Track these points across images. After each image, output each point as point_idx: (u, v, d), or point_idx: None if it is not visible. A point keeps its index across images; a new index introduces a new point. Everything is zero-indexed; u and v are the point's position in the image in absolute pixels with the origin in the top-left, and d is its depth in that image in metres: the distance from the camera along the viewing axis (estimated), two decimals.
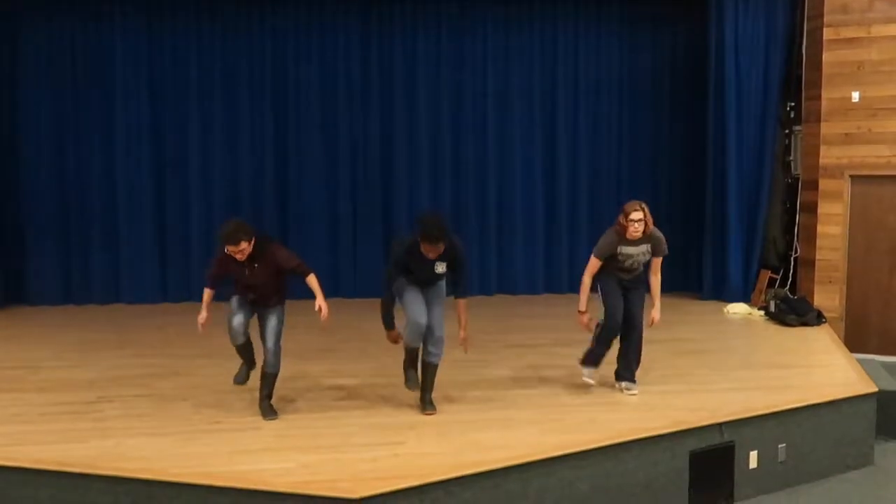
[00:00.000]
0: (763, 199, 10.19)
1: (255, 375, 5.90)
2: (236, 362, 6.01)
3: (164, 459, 5.00)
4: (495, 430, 5.57)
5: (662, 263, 6.38)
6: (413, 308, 5.78)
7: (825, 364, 7.52)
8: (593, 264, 6.26)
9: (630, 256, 6.21)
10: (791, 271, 10.11)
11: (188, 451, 5.17)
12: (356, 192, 10.68)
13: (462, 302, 5.83)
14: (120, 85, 10.22)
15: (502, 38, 10.79)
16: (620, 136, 11.08)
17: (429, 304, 5.85)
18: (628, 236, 6.15)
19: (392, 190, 10.71)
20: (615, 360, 6.49)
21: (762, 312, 9.46)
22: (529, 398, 6.29)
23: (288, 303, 5.91)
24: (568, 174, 10.98)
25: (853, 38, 9.34)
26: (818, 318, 9.00)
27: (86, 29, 10.21)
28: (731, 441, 5.82)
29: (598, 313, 6.37)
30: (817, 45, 9.58)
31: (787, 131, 10.26)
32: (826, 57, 9.46)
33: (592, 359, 6.39)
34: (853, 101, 9.32)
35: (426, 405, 5.92)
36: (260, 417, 5.76)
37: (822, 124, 9.51)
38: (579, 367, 6.45)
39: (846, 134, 9.41)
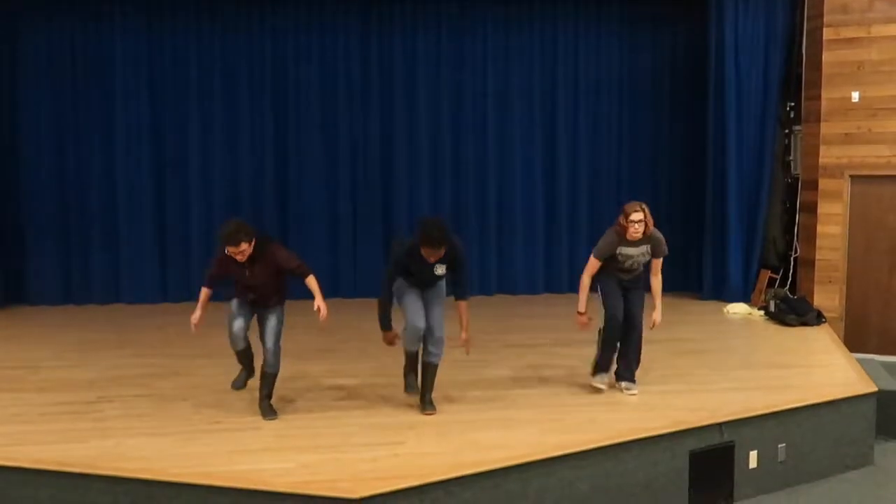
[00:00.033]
0: (763, 199, 10.19)
1: (255, 375, 5.89)
2: (236, 362, 6.01)
3: (164, 459, 5.01)
4: (495, 429, 5.57)
5: (662, 264, 6.38)
6: (412, 311, 5.80)
7: (825, 364, 7.52)
8: (593, 265, 6.26)
9: (630, 257, 6.21)
10: (791, 271, 10.12)
11: (188, 451, 5.17)
12: (356, 192, 10.68)
13: (463, 304, 5.84)
14: (120, 85, 10.22)
15: (502, 38, 10.79)
16: (620, 135, 11.08)
17: (428, 305, 5.85)
18: (628, 237, 6.14)
19: (392, 190, 10.71)
20: (615, 360, 6.48)
21: (762, 312, 9.46)
22: (529, 398, 6.29)
23: (287, 303, 5.91)
24: (568, 174, 10.98)
25: (853, 38, 9.34)
26: (818, 318, 9.00)
27: (86, 29, 10.20)
28: (731, 441, 5.82)
29: (598, 315, 6.37)
30: (817, 44, 9.58)
31: (786, 131, 10.26)
32: (826, 57, 9.46)
33: (603, 366, 6.40)
34: (853, 101, 9.32)
35: (426, 405, 5.92)
36: (260, 417, 5.76)
37: (822, 124, 9.51)
38: (590, 378, 6.43)
39: (846, 134, 9.41)
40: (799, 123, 10.07)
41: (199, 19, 10.34)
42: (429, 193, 10.74)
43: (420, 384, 5.98)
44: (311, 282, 5.69)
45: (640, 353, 6.44)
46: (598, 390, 6.34)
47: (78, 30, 10.19)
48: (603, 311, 6.34)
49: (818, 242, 9.58)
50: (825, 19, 9.44)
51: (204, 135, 10.40)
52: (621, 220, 6.14)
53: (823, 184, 9.55)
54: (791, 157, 10.21)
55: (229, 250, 5.48)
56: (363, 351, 7.58)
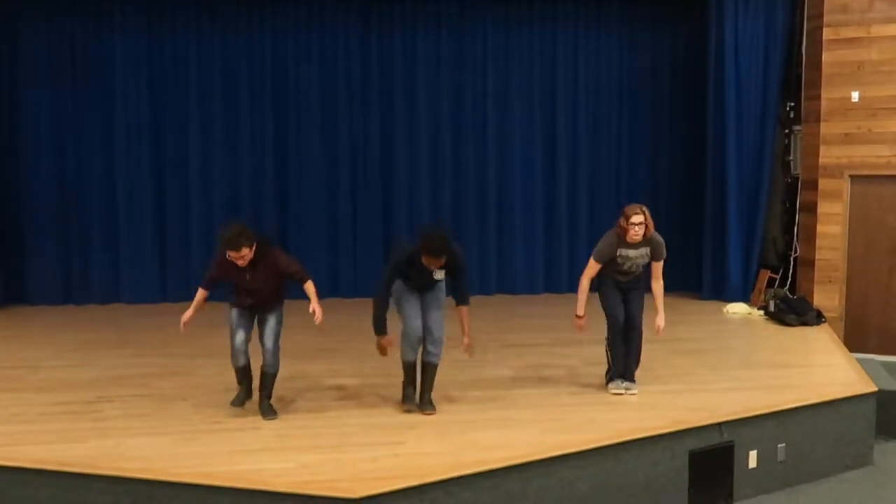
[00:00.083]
0: (763, 199, 10.19)
1: (255, 375, 5.89)
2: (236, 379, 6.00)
3: (164, 459, 5.00)
4: (495, 429, 5.57)
5: (663, 266, 6.37)
6: (409, 316, 5.83)
7: (825, 364, 7.53)
8: (592, 268, 6.25)
9: (629, 259, 6.21)
10: (791, 271, 10.12)
11: (188, 451, 5.17)
12: (356, 192, 10.68)
13: (464, 309, 5.84)
14: (120, 85, 10.22)
15: (502, 39, 10.79)
16: (620, 135, 11.08)
17: (427, 307, 5.87)
18: (628, 239, 6.14)
19: (392, 190, 10.71)
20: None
21: (762, 312, 9.47)
22: (529, 398, 6.29)
23: (286, 303, 5.90)
24: (568, 174, 10.98)
25: (853, 38, 9.34)
26: (818, 318, 9.00)
27: (86, 29, 10.21)
28: (731, 441, 5.82)
29: (599, 317, 6.37)
30: (817, 44, 9.58)
31: (786, 131, 10.27)
32: (826, 57, 9.46)
33: (617, 371, 6.40)
34: (853, 101, 9.32)
35: (426, 405, 5.93)
36: (259, 417, 5.76)
37: (822, 124, 9.51)
38: (607, 388, 6.42)
39: (846, 134, 9.41)
40: (799, 123, 10.07)
41: (199, 19, 10.34)
42: (428, 193, 10.74)
43: (420, 384, 5.98)
44: (310, 287, 5.70)
45: (639, 354, 6.44)
46: (618, 395, 6.32)
47: (78, 30, 10.19)
48: (604, 313, 6.35)
49: (818, 242, 9.58)
50: (825, 19, 9.44)
51: (204, 135, 10.40)
52: (621, 222, 6.13)
53: (823, 184, 9.55)
54: (791, 157, 10.22)
55: (230, 255, 5.47)
56: (363, 351, 7.54)
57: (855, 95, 9.31)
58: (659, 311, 6.36)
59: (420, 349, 5.94)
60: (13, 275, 10.11)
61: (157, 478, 4.77)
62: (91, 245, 10.31)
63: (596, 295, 6.35)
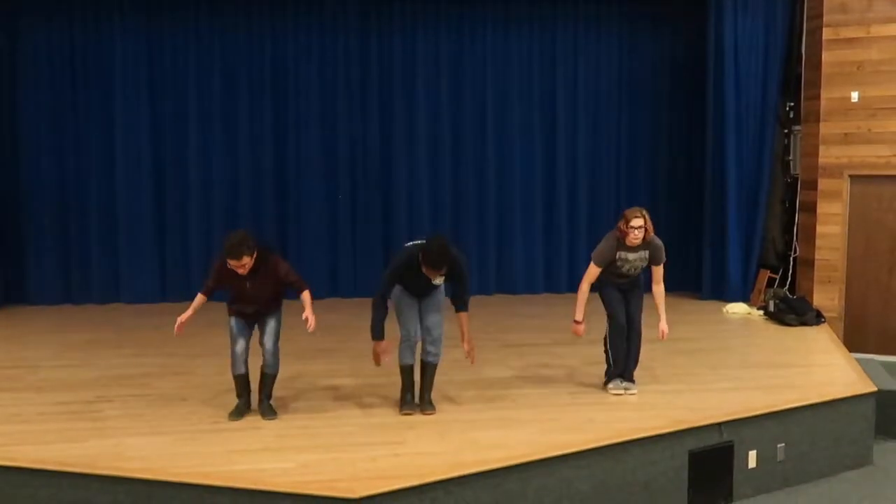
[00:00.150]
0: (762, 199, 10.19)
1: (254, 376, 5.90)
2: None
3: (164, 459, 5.01)
4: (495, 429, 5.57)
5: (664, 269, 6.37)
6: (408, 321, 5.84)
7: (824, 364, 7.53)
8: (593, 272, 6.24)
9: (627, 262, 6.21)
10: (790, 271, 10.12)
11: (187, 451, 5.18)
12: (356, 192, 10.68)
13: (463, 315, 5.84)
14: (120, 85, 10.21)
15: (502, 39, 10.79)
16: (620, 135, 11.07)
17: (426, 310, 5.87)
18: (628, 242, 6.14)
19: (391, 190, 10.70)
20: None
21: (761, 312, 9.47)
22: (529, 398, 6.30)
23: (286, 304, 5.92)
24: (567, 174, 10.98)
25: (852, 38, 9.34)
26: (817, 318, 9.00)
27: (86, 29, 10.20)
28: (731, 441, 5.83)
29: (598, 319, 6.37)
30: (817, 44, 9.58)
31: (786, 131, 10.27)
32: (825, 57, 9.46)
33: (617, 371, 6.40)
34: (852, 100, 9.32)
35: (425, 405, 5.93)
36: (259, 417, 5.77)
37: (822, 124, 9.51)
38: (606, 388, 6.42)
39: (845, 134, 9.41)
40: (798, 123, 10.07)
41: (199, 19, 10.34)
42: (428, 193, 10.74)
43: (419, 384, 5.98)
44: (306, 296, 5.72)
45: (638, 354, 6.44)
46: (618, 395, 6.32)
47: (78, 30, 10.18)
48: (606, 314, 6.35)
49: (817, 242, 9.58)
50: (825, 19, 9.44)
51: (204, 135, 10.39)
52: (621, 225, 6.13)
53: (823, 184, 9.54)
54: (790, 157, 10.22)
55: (231, 263, 5.49)
56: (362, 351, 7.52)
57: (854, 95, 9.31)
58: (661, 316, 6.35)
59: (418, 352, 5.94)
60: (13, 275, 10.11)
61: (156, 478, 4.77)
62: (91, 245, 10.31)
63: (595, 296, 6.34)
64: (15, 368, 7.24)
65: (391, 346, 5.83)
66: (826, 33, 9.44)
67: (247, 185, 10.49)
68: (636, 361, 6.45)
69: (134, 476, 4.80)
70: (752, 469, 5.94)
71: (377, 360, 5.81)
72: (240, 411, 5.82)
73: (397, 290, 5.84)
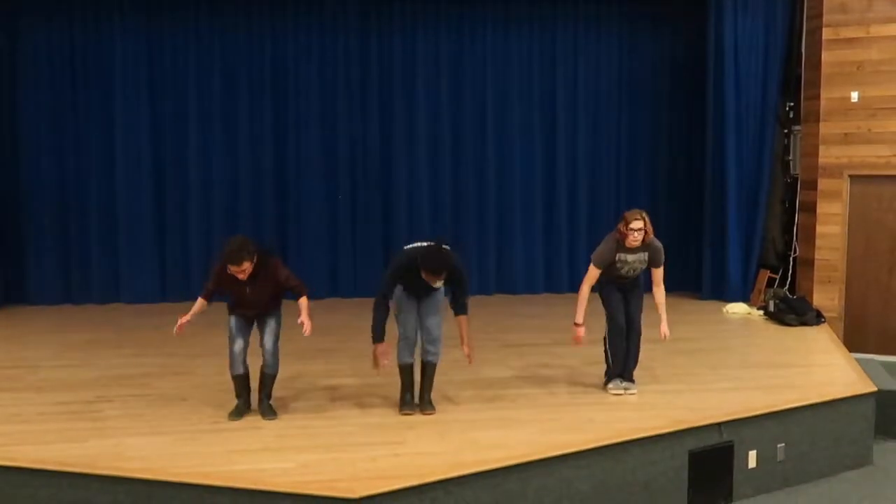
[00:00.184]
0: (762, 199, 10.20)
1: (254, 376, 5.90)
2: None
3: (164, 459, 5.01)
4: (495, 429, 5.57)
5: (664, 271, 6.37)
6: (407, 321, 5.84)
7: (824, 364, 7.53)
8: (593, 275, 6.24)
9: (627, 264, 6.21)
10: (790, 271, 10.12)
11: (187, 451, 5.18)
12: (356, 192, 10.68)
13: (463, 318, 5.84)
14: (120, 85, 10.21)
15: (502, 39, 10.79)
16: (620, 135, 11.07)
17: (425, 310, 5.87)
18: (627, 244, 6.14)
19: (391, 190, 10.71)
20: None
21: (761, 312, 9.46)
22: (529, 398, 6.30)
23: (285, 304, 5.91)
24: (567, 174, 10.98)
25: (852, 38, 9.34)
26: (817, 318, 9.00)
27: (86, 29, 10.20)
28: (731, 441, 5.83)
29: (597, 319, 6.37)
30: (816, 44, 9.58)
31: (786, 131, 10.27)
32: (825, 57, 9.46)
33: (616, 371, 6.40)
34: (852, 100, 9.32)
35: (426, 405, 5.93)
36: (259, 417, 5.77)
37: (822, 124, 9.51)
38: (606, 388, 6.42)
39: (845, 134, 9.41)
40: (798, 123, 10.07)
41: (199, 19, 10.34)
42: (428, 193, 10.74)
43: (419, 384, 5.98)
44: (304, 301, 5.73)
45: (638, 354, 6.44)
46: (618, 395, 6.32)
47: (78, 30, 10.18)
48: (605, 314, 6.35)
49: (817, 242, 9.58)
50: (824, 19, 9.44)
51: (203, 135, 10.39)
52: (621, 227, 6.14)
53: (823, 184, 9.54)
54: (790, 157, 10.22)
55: (231, 269, 5.49)
56: (362, 351, 7.53)
57: (854, 95, 9.31)
58: (662, 319, 6.34)
59: (417, 352, 5.94)
60: (13, 275, 10.11)
61: (156, 477, 4.77)
62: (91, 245, 10.31)
63: (595, 296, 6.34)
64: (15, 368, 7.24)
65: (390, 349, 5.83)
66: (826, 33, 9.44)
67: (247, 185, 10.49)
68: (636, 361, 6.45)
69: (134, 476, 4.80)
70: (752, 469, 5.94)
71: (376, 362, 5.81)
72: (239, 411, 5.82)
73: (397, 290, 5.84)
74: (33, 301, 10.18)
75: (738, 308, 9.72)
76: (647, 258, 6.24)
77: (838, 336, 8.83)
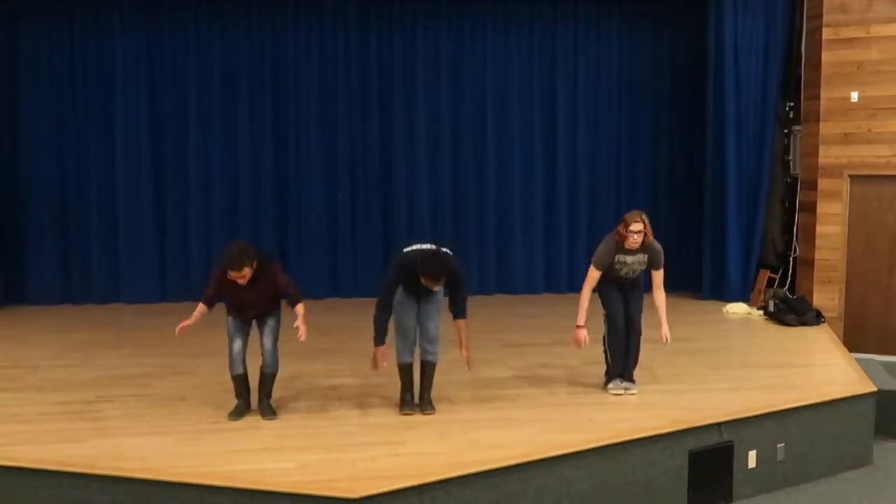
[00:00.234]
0: (762, 199, 10.20)
1: (254, 375, 5.90)
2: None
3: (164, 459, 5.01)
4: (494, 429, 5.57)
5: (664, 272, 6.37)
6: (405, 320, 5.84)
7: (824, 364, 7.53)
8: (593, 276, 6.23)
9: (626, 265, 6.21)
10: (790, 271, 10.12)
11: (187, 451, 5.18)
12: (356, 192, 10.68)
13: (461, 322, 5.83)
14: (120, 85, 10.21)
15: (502, 39, 10.79)
16: (620, 135, 11.07)
17: (424, 310, 5.87)
18: (627, 246, 6.15)
19: (391, 190, 10.71)
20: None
21: (761, 312, 9.46)
22: (529, 398, 6.30)
23: (283, 303, 5.91)
24: (567, 174, 10.98)
25: (852, 38, 9.34)
26: (817, 318, 9.00)
27: (86, 29, 10.19)
28: (730, 441, 5.83)
29: (597, 319, 6.37)
30: (816, 44, 9.58)
31: (786, 131, 10.27)
32: (825, 57, 9.46)
33: (616, 371, 6.40)
34: (852, 100, 9.32)
35: (426, 405, 5.93)
36: (259, 417, 5.77)
37: (822, 124, 9.51)
38: (606, 388, 6.42)
39: (845, 134, 9.41)
40: (798, 123, 10.07)
41: (199, 19, 10.34)
42: (428, 193, 10.74)
43: (419, 384, 5.98)
44: (300, 308, 5.73)
45: (638, 354, 6.44)
46: (618, 395, 6.32)
47: (78, 30, 10.18)
48: (604, 314, 6.35)
49: (817, 242, 9.58)
50: (824, 19, 9.44)
51: (203, 135, 10.39)
52: (621, 229, 6.14)
53: (823, 184, 9.54)
54: (790, 157, 10.22)
55: (231, 275, 5.50)
56: (362, 351, 7.54)
57: (854, 95, 9.31)
58: (662, 323, 6.32)
59: (416, 352, 5.94)
60: (13, 275, 10.11)
61: (156, 478, 4.77)
62: (91, 245, 10.30)
63: (595, 296, 6.34)
64: (15, 368, 7.24)
65: (390, 353, 5.83)
66: (826, 33, 9.44)
67: (247, 185, 10.49)
68: (636, 361, 6.45)
69: (134, 476, 4.80)
70: (752, 469, 5.94)
71: (375, 363, 5.81)
72: (239, 411, 5.82)
73: (399, 294, 5.83)
74: (33, 301, 10.18)
75: (738, 308, 9.72)
76: (646, 260, 6.24)
77: (838, 336, 8.83)
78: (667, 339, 6.34)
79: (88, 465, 4.90)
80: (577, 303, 6.30)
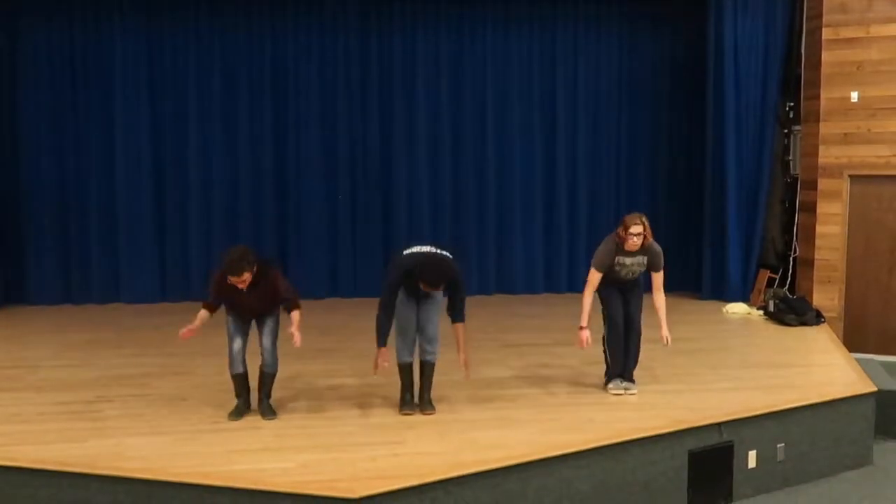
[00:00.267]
0: (762, 199, 10.20)
1: (254, 375, 5.90)
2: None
3: (164, 459, 5.01)
4: (494, 429, 5.58)
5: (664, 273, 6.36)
6: (405, 319, 5.84)
7: (824, 364, 7.53)
8: (594, 278, 6.22)
9: (625, 266, 6.22)
10: (790, 271, 10.12)
11: (187, 451, 5.18)
12: (356, 192, 10.68)
13: (459, 326, 5.83)
14: (120, 85, 10.21)
15: (502, 39, 10.78)
16: (620, 135, 11.07)
17: (423, 310, 5.87)
18: (626, 248, 6.15)
19: (391, 190, 10.70)
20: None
21: (761, 312, 9.47)
22: (529, 398, 6.30)
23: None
24: (567, 174, 10.97)
25: (852, 38, 9.34)
26: (817, 318, 9.00)
27: (86, 29, 10.19)
28: (730, 441, 5.83)
29: (596, 320, 6.38)
30: (816, 44, 9.58)
31: (786, 131, 10.27)
32: (825, 57, 9.46)
33: (616, 371, 6.40)
34: (852, 100, 9.32)
35: (425, 405, 5.93)
36: (259, 417, 5.77)
37: (821, 124, 9.51)
38: (606, 388, 6.42)
39: (845, 134, 9.41)
40: (798, 123, 10.07)
41: (199, 19, 10.33)
42: (428, 193, 10.74)
43: (419, 384, 5.98)
44: (296, 315, 5.74)
45: (638, 354, 6.45)
46: (618, 395, 6.32)
47: (78, 30, 10.18)
48: (604, 314, 6.35)
49: (817, 242, 9.58)
50: (824, 19, 9.44)
51: (203, 135, 10.39)
52: (620, 231, 6.14)
53: (822, 184, 9.54)
54: (790, 157, 10.22)
55: (231, 279, 5.50)
56: (362, 351, 7.55)
57: (854, 95, 9.30)
58: (662, 325, 6.33)
59: (417, 351, 5.95)
60: (13, 275, 10.11)
61: (156, 477, 4.78)
62: (91, 245, 10.30)
63: (595, 297, 6.33)
64: (15, 368, 7.24)
65: (390, 353, 5.83)
66: (826, 33, 9.44)
67: (247, 185, 10.49)
68: (636, 361, 6.45)
69: (134, 476, 4.80)
70: (752, 469, 5.95)
71: (376, 365, 5.81)
72: (239, 411, 5.82)
73: (399, 295, 5.83)
74: (33, 301, 10.18)
75: (738, 308, 9.72)
76: (645, 262, 6.24)
77: (838, 336, 8.84)
78: (667, 341, 6.34)
79: (88, 465, 4.90)
80: (577, 303, 6.31)
